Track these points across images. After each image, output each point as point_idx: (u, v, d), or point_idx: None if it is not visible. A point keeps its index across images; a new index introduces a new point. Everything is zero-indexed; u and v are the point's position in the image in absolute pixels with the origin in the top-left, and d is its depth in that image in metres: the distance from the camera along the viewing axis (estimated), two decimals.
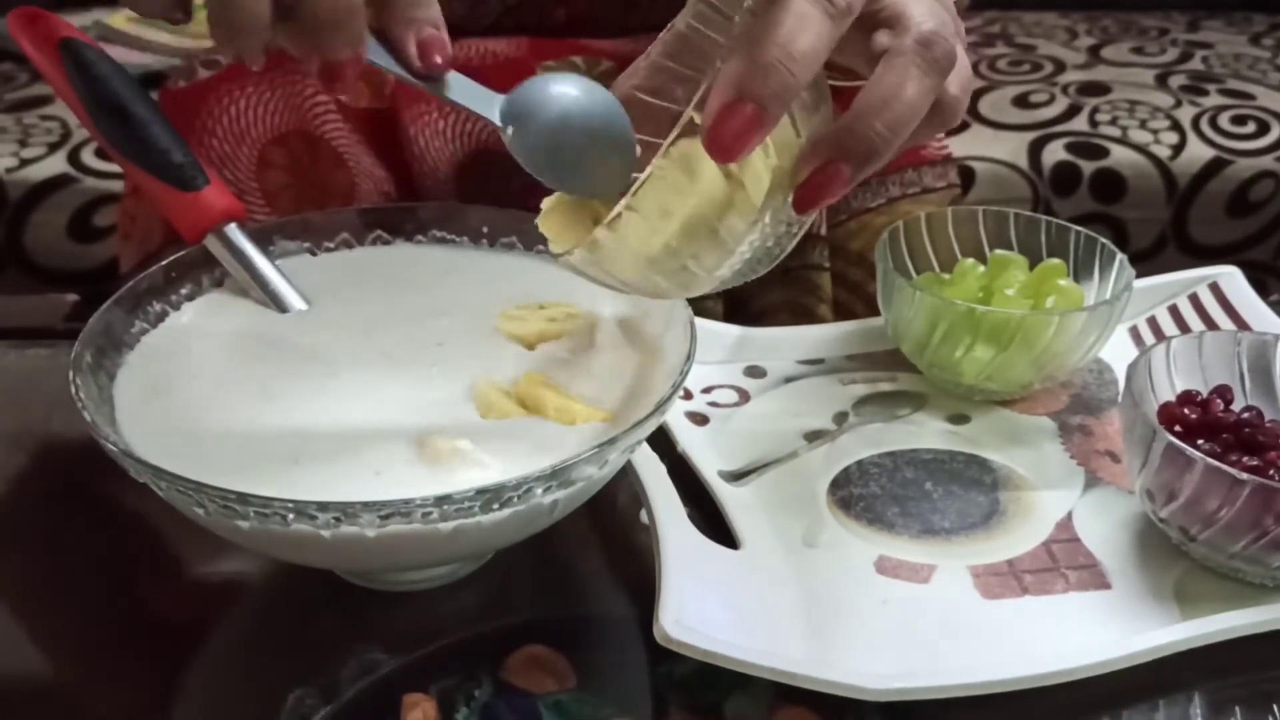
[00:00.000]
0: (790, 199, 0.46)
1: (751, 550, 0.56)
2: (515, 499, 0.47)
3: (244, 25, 0.44)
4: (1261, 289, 0.72)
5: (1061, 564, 0.56)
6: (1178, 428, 0.56)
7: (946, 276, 0.69)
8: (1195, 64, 1.80)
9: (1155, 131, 1.59)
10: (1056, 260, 0.68)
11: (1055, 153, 1.55)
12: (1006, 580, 0.55)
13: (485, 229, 0.65)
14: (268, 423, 0.53)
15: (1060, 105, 1.65)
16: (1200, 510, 0.52)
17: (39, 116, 1.56)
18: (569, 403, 0.54)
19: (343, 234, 0.65)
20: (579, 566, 0.59)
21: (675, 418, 0.63)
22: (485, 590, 0.56)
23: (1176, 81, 1.72)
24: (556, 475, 0.48)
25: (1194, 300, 0.72)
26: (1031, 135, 1.57)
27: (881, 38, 0.48)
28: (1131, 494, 0.59)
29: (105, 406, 0.54)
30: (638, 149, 0.49)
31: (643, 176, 0.43)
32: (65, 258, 1.47)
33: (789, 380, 0.68)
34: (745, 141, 0.42)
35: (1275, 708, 0.51)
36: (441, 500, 0.46)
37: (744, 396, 0.67)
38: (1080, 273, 0.68)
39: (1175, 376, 0.59)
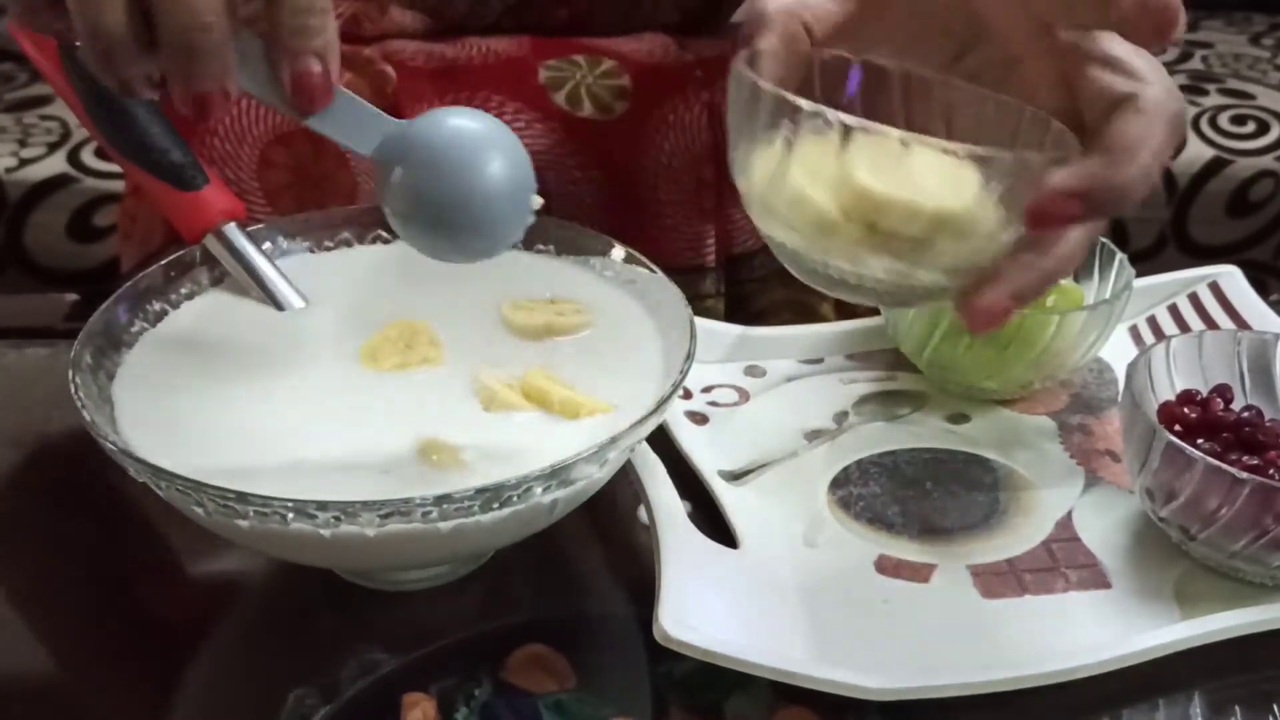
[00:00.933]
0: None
1: (751, 550, 0.56)
2: (515, 498, 0.47)
3: (114, 56, 0.42)
4: (1261, 289, 0.72)
5: (1061, 563, 0.56)
6: (1178, 427, 0.56)
7: None
8: (1195, 64, 1.80)
9: None
10: None
11: None
12: (1006, 580, 0.55)
13: None
14: (268, 422, 0.53)
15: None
16: (1200, 510, 0.52)
17: (39, 116, 1.56)
18: (574, 395, 0.54)
19: (343, 233, 0.65)
20: (579, 566, 0.59)
21: (675, 417, 0.63)
22: (485, 590, 0.56)
23: (1176, 81, 1.72)
24: (556, 474, 0.48)
25: (1194, 300, 0.72)
26: None
27: (1115, 81, 0.49)
28: (1131, 493, 0.59)
29: (105, 406, 0.54)
30: (534, 204, 0.47)
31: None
32: (65, 258, 1.47)
33: (789, 380, 0.68)
34: (1000, 323, 0.46)
35: (1275, 707, 0.51)
36: (441, 499, 0.46)
37: (744, 396, 0.67)
38: (1080, 272, 0.68)
39: (1175, 376, 0.59)
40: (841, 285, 0.48)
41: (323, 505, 0.46)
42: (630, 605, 0.55)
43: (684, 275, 0.79)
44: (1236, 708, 0.51)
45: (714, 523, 0.57)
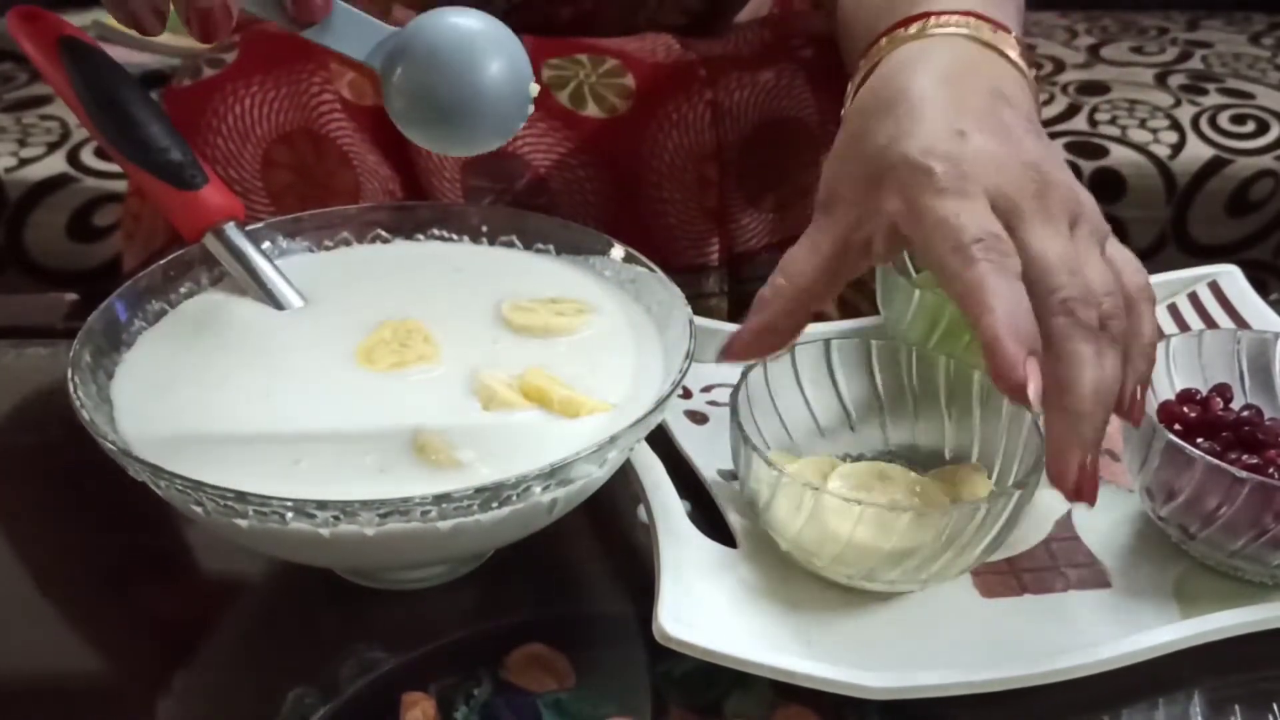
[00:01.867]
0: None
1: (750, 549, 0.55)
2: (514, 497, 0.47)
3: None
4: (1261, 288, 0.72)
5: (1061, 562, 0.56)
6: (1177, 426, 0.56)
7: None
8: (1195, 63, 1.80)
9: (1155, 131, 1.59)
10: None
11: None
12: (1006, 579, 0.55)
13: (484, 228, 0.65)
14: (268, 421, 0.53)
15: (1060, 104, 1.65)
16: (1200, 509, 0.52)
17: (38, 116, 1.56)
18: (573, 394, 0.54)
19: (342, 232, 0.65)
20: (578, 565, 0.59)
21: (674, 417, 0.63)
22: (484, 589, 0.56)
23: (1176, 81, 1.72)
24: (555, 474, 0.48)
25: (1193, 299, 0.72)
26: None
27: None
28: (1131, 492, 0.59)
29: (104, 405, 0.54)
30: (531, 92, 0.47)
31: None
32: (65, 257, 1.47)
33: None
34: (1096, 484, 0.48)
35: (1275, 706, 0.51)
36: (440, 499, 0.46)
37: None
38: None
39: (1175, 375, 0.59)
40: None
41: (322, 504, 0.46)
42: (630, 604, 0.55)
43: (687, 274, 0.79)
44: (1236, 706, 0.51)
45: (713, 522, 0.57)
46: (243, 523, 0.47)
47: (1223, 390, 0.59)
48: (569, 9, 0.82)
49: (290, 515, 0.46)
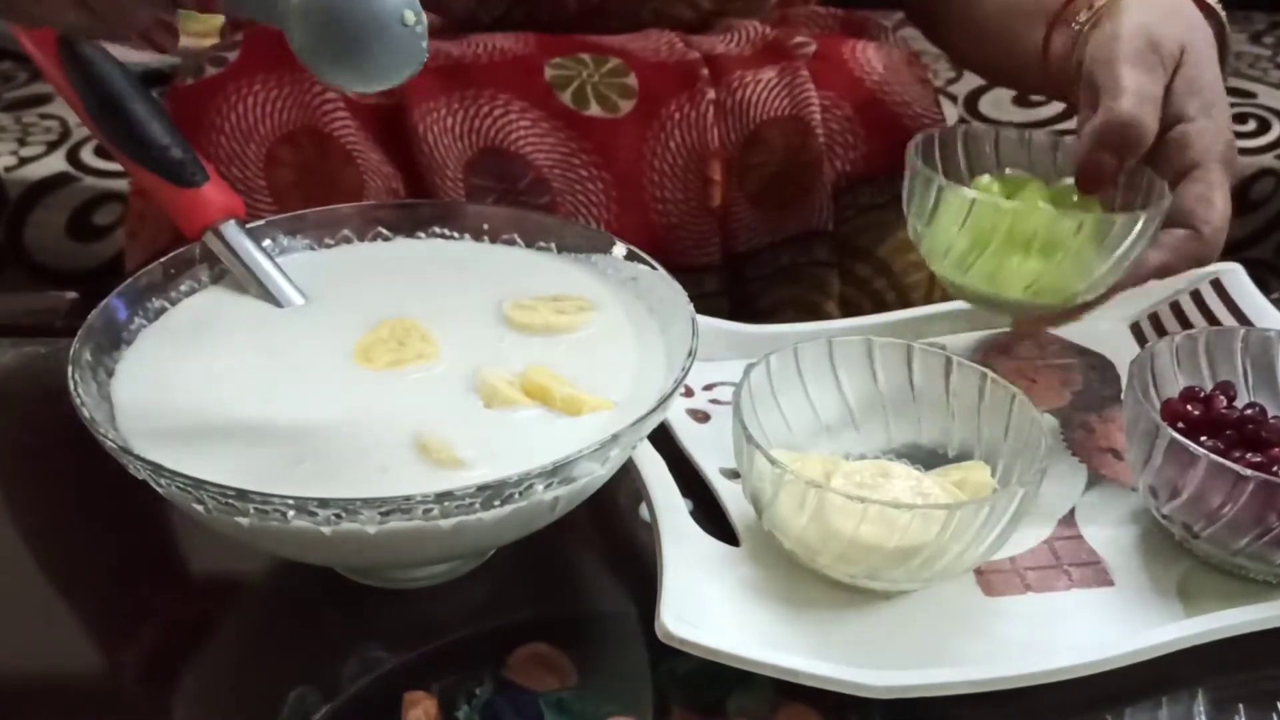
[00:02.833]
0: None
1: (753, 547, 0.55)
2: (516, 495, 0.47)
3: None
4: (1263, 287, 0.71)
5: (1064, 561, 0.56)
6: (1181, 424, 0.56)
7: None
8: None
9: None
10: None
11: None
12: (1009, 578, 0.55)
13: (485, 226, 0.65)
14: (269, 419, 0.53)
15: (1060, 103, 1.65)
16: (1203, 507, 0.52)
17: (38, 115, 1.56)
18: (575, 392, 0.54)
19: (343, 230, 0.65)
20: (580, 564, 0.59)
21: (677, 415, 0.63)
22: (487, 587, 0.56)
23: None
24: (558, 472, 0.48)
25: (1196, 297, 0.72)
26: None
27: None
28: (1134, 491, 0.59)
29: (104, 403, 0.53)
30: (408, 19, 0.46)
31: None
32: (65, 257, 1.47)
33: None
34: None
35: (1278, 705, 0.51)
36: (443, 497, 0.46)
37: None
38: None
39: (1178, 373, 0.59)
40: None
41: (323, 502, 0.46)
42: (632, 603, 0.54)
43: (688, 273, 0.79)
44: (1240, 705, 0.51)
45: (715, 520, 0.57)
46: (244, 521, 0.47)
47: (1226, 388, 0.58)
48: (575, 1, 0.82)
49: (292, 513, 0.46)
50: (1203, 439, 0.55)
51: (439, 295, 0.61)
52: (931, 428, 0.59)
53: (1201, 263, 0.63)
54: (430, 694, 0.49)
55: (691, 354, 0.54)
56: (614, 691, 0.51)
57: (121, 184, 1.38)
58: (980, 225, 0.61)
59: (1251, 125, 1.60)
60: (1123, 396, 0.58)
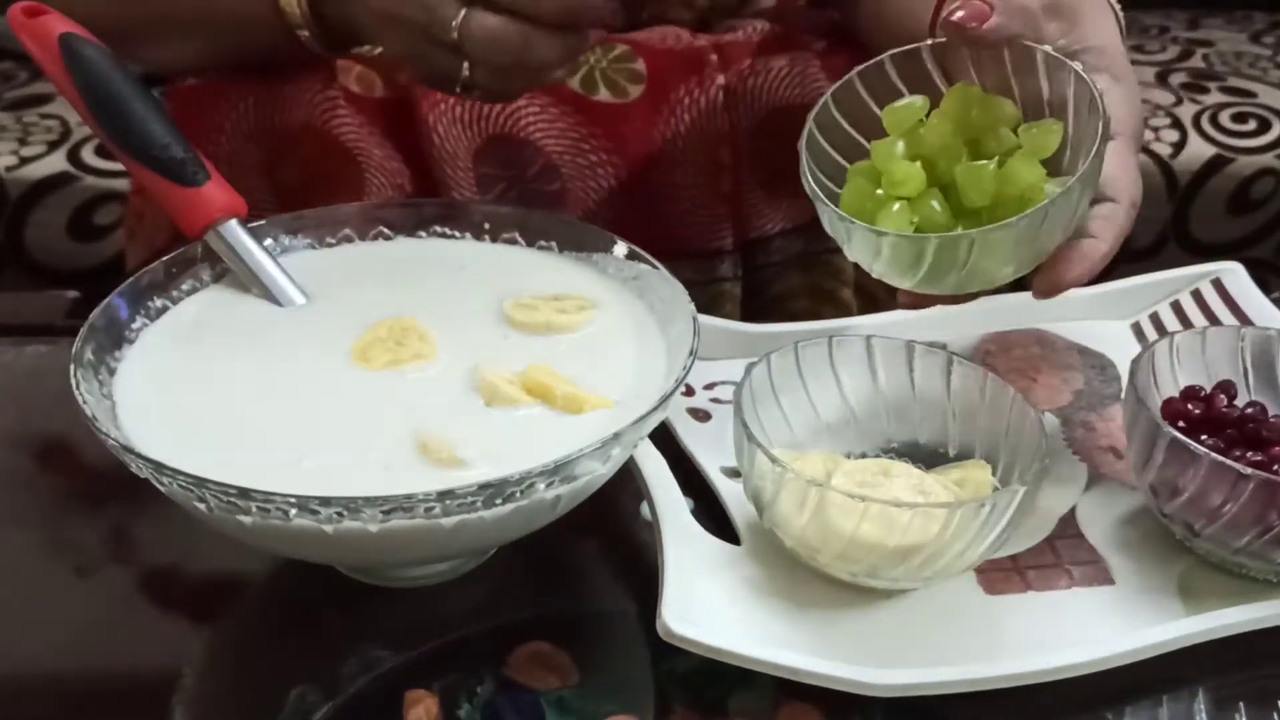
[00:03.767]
0: None
1: (754, 546, 0.55)
2: (518, 494, 0.47)
3: None
4: (1263, 287, 0.71)
5: (1065, 560, 0.56)
6: (1181, 423, 0.56)
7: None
8: (1196, 62, 1.80)
9: (1156, 129, 1.59)
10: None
11: None
12: (1010, 576, 0.55)
13: (487, 225, 0.65)
14: (270, 418, 0.53)
15: None
16: (1204, 506, 0.52)
17: (39, 115, 1.56)
18: (576, 391, 0.54)
19: (344, 229, 0.65)
20: (581, 563, 0.59)
21: (677, 414, 0.63)
22: (488, 586, 0.56)
23: (1177, 79, 1.72)
24: (559, 470, 0.48)
25: (1196, 296, 0.72)
26: None
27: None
28: (1135, 490, 0.59)
29: (106, 402, 0.53)
30: None
31: None
32: (65, 256, 1.47)
33: None
34: None
35: (1279, 704, 0.51)
36: (444, 495, 0.46)
37: None
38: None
39: (1179, 372, 0.59)
40: None
41: (325, 501, 0.46)
42: (633, 602, 0.55)
43: (700, 260, 0.78)
44: (1240, 704, 0.51)
45: (716, 519, 0.57)
46: (246, 519, 0.47)
47: (1226, 387, 0.58)
48: None
49: (294, 512, 0.46)
50: (1203, 438, 0.55)
51: (440, 294, 0.61)
52: (932, 427, 0.59)
53: (1123, 236, 0.58)
54: (431, 693, 0.49)
55: (692, 353, 0.54)
56: (615, 690, 0.51)
57: (122, 183, 1.38)
58: (900, 259, 0.55)
59: (1252, 125, 1.60)
60: (1123, 395, 0.58)
